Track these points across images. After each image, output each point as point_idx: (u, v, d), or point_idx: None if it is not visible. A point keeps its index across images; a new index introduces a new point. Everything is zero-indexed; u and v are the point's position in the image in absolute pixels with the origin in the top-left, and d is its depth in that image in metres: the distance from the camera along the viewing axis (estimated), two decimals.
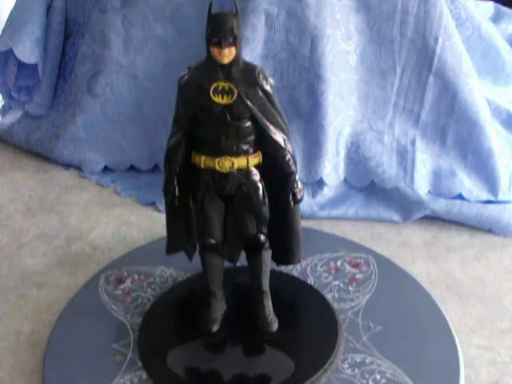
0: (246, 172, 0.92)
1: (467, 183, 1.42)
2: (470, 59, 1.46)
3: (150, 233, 1.35)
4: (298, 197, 0.93)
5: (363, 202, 1.43)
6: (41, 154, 1.62)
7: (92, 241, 1.32)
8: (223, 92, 0.88)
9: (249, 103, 0.88)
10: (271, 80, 0.90)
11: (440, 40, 1.41)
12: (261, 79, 0.88)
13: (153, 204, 1.44)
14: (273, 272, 1.04)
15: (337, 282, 1.15)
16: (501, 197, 1.40)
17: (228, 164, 0.91)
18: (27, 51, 1.56)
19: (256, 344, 1.01)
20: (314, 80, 1.40)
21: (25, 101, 1.68)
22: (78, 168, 1.58)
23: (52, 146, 1.60)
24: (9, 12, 1.65)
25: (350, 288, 1.14)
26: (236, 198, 0.94)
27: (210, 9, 0.86)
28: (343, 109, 1.44)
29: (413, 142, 1.45)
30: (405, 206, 1.40)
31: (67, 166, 1.59)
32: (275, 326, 1.02)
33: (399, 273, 1.18)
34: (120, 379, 0.96)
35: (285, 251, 1.02)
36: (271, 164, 0.93)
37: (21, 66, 1.62)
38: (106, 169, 1.57)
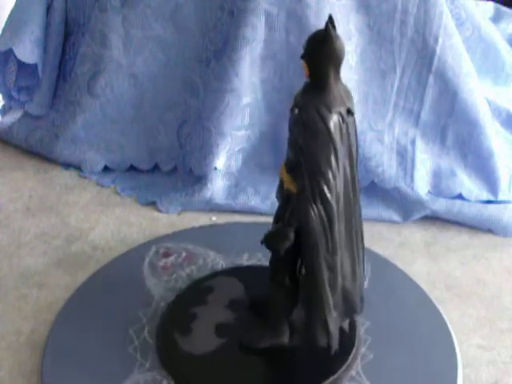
0: (286, 189, 0.90)
1: (467, 183, 1.42)
2: (470, 59, 1.46)
3: (150, 232, 1.35)
4: (267, 240, 0.89)
5: (363, 202, 1.42)
6: (41, 154, 1.62)
7: (92, 241, 1.32)
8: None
9: (289, 122, 0.86)
10: (316, 125, 0.82)
11: (440, 40, 1.41)
12: (297, 113, 0.84)
13: (153, 204, 1.44)
14: None
15: None
16: (501, 197, 1.40)
17: (281, 169, 0.90)
18: (27, 51, 1.56)
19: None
20: None
21: (25, 101, 1.68)
22: (78, 168, 1.58)
23: (52, 146, 1.60)
24: (9, 12, 1.65)
25: None
26: None
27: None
28: None
29: (413, 142, 1.45)
30: (405, 206, 1.40)
31: (67, 165, 1.59)
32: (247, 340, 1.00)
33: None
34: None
35: None
36: None
37: (21, 65, 1.61)
38: (105, 169, 1.57)
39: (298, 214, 0.86)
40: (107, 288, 1.14)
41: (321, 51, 0.82)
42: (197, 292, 1.12)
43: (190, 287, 1.14)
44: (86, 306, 1.10)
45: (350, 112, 0.86)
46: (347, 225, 0.90)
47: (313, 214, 0.84)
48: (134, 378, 0.96)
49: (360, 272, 0.95)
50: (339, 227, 0.88)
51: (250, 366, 0.98)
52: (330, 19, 0.83)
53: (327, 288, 0.90)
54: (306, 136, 0.83)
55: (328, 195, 0.84)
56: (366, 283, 1.13)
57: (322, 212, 0.85)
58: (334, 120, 0.82)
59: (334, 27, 0.83)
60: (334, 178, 0.84)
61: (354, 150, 0.88)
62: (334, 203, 0.85)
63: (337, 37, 0.82)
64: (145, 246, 1.26)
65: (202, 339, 1.02)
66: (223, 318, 1.05)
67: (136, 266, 1.20)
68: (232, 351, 0.99)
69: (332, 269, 0.89)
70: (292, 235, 0.87)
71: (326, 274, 0.89)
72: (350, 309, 0.96)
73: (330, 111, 0.82)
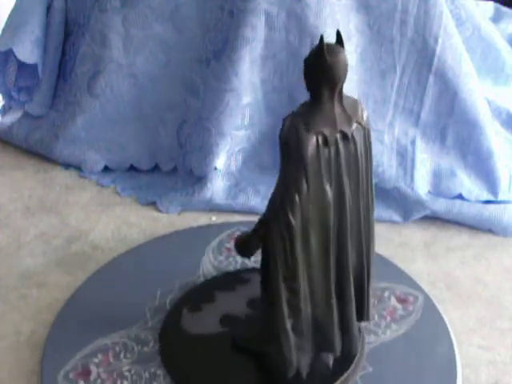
0: None
1: (467, 183, 1.42)
2: (470, 59, 1.46)
3: (150, 232, 1.35)
4: (235, 245, 0.90)
5: None
6: (41, 154, 1.62)
7: (92, 241, 1.32)
8: None
9: None
10: (291, 143, 0.77)
11: (440, 40, 1.41)
12: (282, 126, 0.78)
13: (153, 204, 1.44)
14: None
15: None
16: (501, 197, 1.40)
17: None
18: (27, 51, 1.56)
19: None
20: None
21: (25, 101, 1.68)
22: (78, 168, 1.58)
23: (52, 146, 1.60)
24: (9, 12, 1.65)
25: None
26: None
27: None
28: None
29: (413, 142, 1.45)
30: (405, 206, 1.40)
31: (67, 165, 1.59)
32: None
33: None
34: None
35: None
36: None
37: (21, 65, 1.61)
38: (105, 169, 1.57)
39: (266, 222, 0.83)
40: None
41: (312, 67, 0.78)
42: (232, 279, 1.13)
43: (230, 273, 1.16)
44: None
45: (346, 137, 0.79)
46: (323, 257, 0.85)
47: (275, 229, 0.81)
48: (130, 330, 1.03)
49: (348, 312, 0.90)
50: (309, 257, 0.83)
51: (237, 363, 0.98)
52: (338, 35, 0.79)
53: (284, 305, 0.85)
54: (282, 152, 0.79)
55: (292, 222, 0.79)
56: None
57: (285, 233, 0.81)
58: (311, 141, 0.76)
59: (341, 43, 0.79)
60: (302, 202, 0.79)
61: (345, 178, 0.83)
62: (297, 229, 0.81)
63: (332, 53, 0.76)
64: (225, 225, 1.30)
65: (204, 322, 1.04)
66: (237, 310, 1.06)
67: (203, 240, 1.24)
68: (225, 343, 1.00)
69: (293, 291, 0.84)
70: (256, 242, 0.86)
71: (284, 293, 0.84)
72: (325, 344, 0.91)
73: (308, 131, 0.76)
